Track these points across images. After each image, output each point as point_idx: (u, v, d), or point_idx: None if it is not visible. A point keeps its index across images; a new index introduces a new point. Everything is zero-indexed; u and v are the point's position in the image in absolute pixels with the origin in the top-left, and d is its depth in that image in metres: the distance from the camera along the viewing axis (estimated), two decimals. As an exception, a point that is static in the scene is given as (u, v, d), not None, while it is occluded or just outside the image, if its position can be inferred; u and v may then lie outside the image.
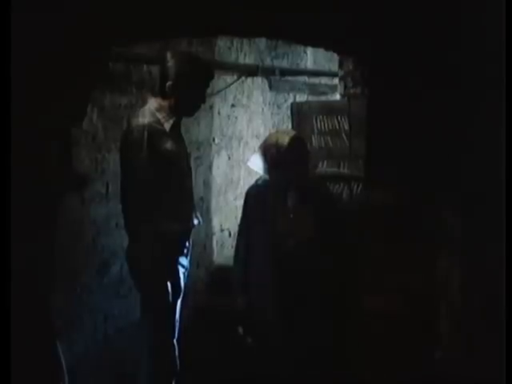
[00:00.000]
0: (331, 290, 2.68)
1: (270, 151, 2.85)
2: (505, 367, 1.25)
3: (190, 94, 2.70)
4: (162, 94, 2.71)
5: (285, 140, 2.85)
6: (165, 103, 2.69)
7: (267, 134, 5.90)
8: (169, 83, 2.67)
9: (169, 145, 2.64)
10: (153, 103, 2.69)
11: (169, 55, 2.72)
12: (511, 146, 1.32)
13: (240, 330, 2.96)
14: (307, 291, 2.77)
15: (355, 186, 3.24)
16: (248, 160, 3.03)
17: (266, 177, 2.92)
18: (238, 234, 3.05)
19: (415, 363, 1.75)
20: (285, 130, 3.55)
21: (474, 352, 1.48)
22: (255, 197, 2.95)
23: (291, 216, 2.87)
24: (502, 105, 1.34)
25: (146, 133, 2.56)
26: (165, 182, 2.62)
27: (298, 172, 2.87)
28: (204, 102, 2.85)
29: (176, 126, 2.72)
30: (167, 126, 2.66)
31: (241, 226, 3.06)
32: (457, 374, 1.54)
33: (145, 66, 3.38)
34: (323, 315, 2.72)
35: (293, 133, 3.07)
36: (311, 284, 2.76)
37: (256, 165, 2.92)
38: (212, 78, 2.83)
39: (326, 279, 2.69)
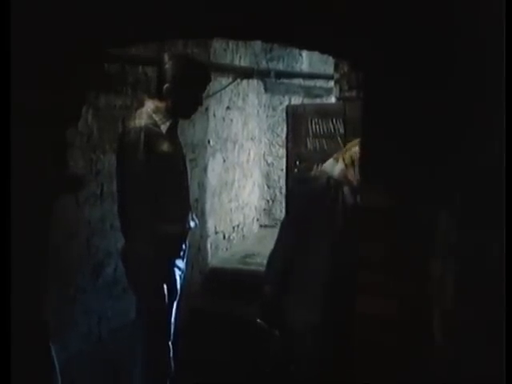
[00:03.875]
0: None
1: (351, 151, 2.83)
2: (505, 368, 1.25)
3: (187, 96, 2.71)
4: (158, 95, 2.71)
5: None
6: (161, 105, 2.69)
7: (262, 136, 5.97)
8: (166, 85, 2.67)
9: (165, 147, 2.64)
10: (149, 105, 2.69)
11: (166, 57, 2.72)
12: (511, 147, 1.32)
13: (259, 321, 2.82)
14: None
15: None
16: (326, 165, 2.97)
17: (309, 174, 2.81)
18: (280, 236, 2.73)
19: (414, 365, 1.75)
20: None
21: (473, 353, 1.49)
22: (307, 194, 2.83)
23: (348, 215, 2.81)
24: (501, 105, 1.34)
25: (142, 134, 2.56)
26: (161, 183, 2.62)
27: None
28: (201, 104, 2.86)
29: (172, 128, 2.73)
30: (164, 127, 2.66)
31: (286, 224, 2.76)
32: (456, 374, 1.55)
33: (140, 67, 3.38)
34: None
35: None
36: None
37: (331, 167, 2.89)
38: (209, 80, 2.84)
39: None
